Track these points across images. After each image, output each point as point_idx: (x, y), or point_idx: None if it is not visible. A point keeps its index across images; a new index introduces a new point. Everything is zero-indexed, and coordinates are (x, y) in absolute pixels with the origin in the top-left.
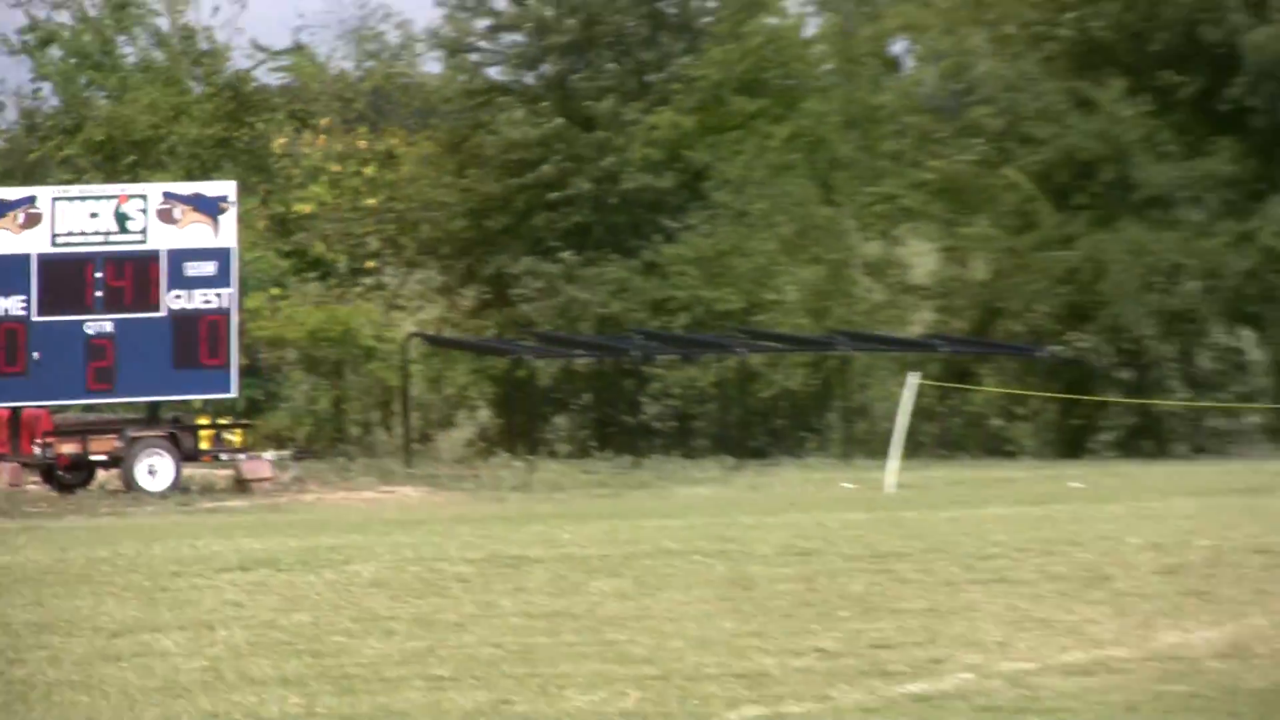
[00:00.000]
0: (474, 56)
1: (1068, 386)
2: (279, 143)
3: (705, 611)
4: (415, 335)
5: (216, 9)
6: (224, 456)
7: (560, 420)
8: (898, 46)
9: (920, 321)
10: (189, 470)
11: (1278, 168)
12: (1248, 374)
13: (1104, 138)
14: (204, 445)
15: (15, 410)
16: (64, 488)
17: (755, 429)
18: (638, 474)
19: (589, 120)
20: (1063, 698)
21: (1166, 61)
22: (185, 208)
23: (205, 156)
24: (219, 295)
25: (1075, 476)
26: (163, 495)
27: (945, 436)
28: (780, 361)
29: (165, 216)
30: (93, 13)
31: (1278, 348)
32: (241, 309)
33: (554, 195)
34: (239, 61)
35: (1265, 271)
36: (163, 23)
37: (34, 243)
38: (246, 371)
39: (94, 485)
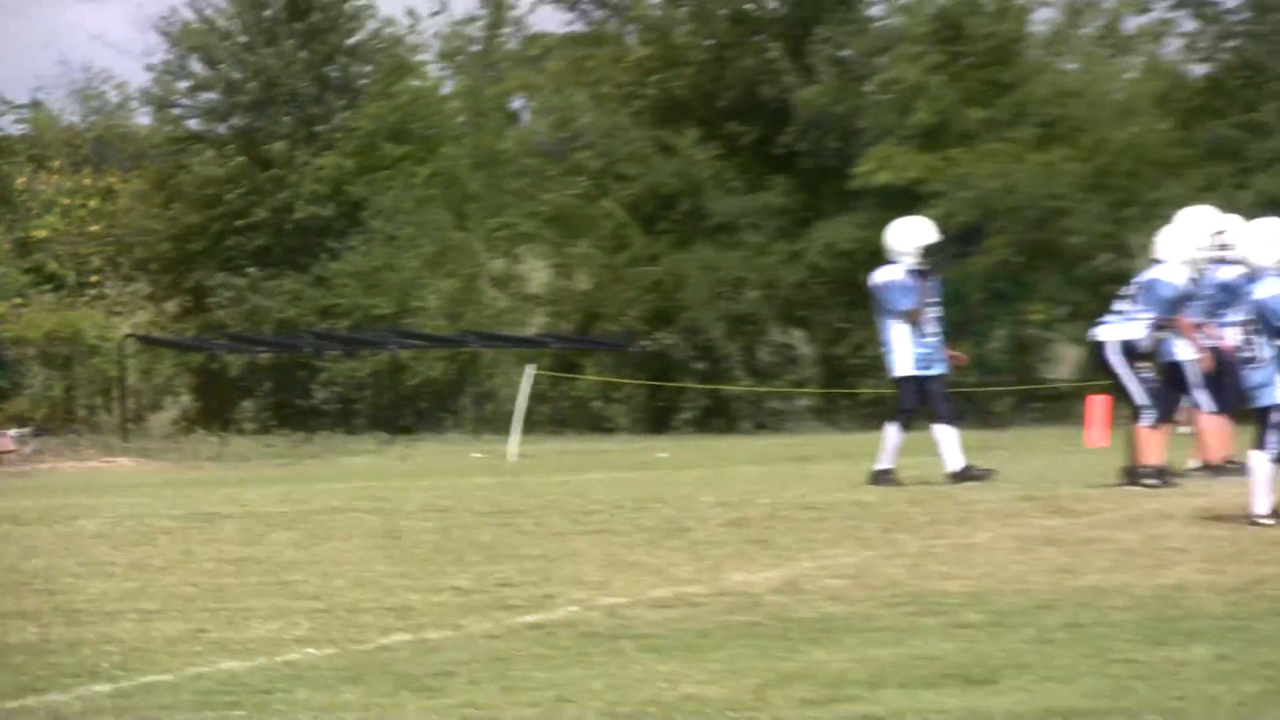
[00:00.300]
0: (176, 111)
1: (653, 375)
2: (20, 181)
3: (362, 557)
4: (130, 336)
5: None
6: None
7: (247, 404)
8: (516, 103)
9: (536, 323)
10: None
11: (821, 200)
12: (798, 365)
13: (682, 176)
14: None
15: None
16: None
17: (404, 410)
18: (309, 447)
19: (268, 162)
20: (650, 625)
21: (732, 114)
22: None
23: None
24: None
25: (661, 448)
26: None
27: (556, 416)
28: (424, 356)
29: None
30: None
31: (822, 344)
32: None
33: (240, 223)
34: None
35: (811, 283)
36: None
37: None
38: None
39: None
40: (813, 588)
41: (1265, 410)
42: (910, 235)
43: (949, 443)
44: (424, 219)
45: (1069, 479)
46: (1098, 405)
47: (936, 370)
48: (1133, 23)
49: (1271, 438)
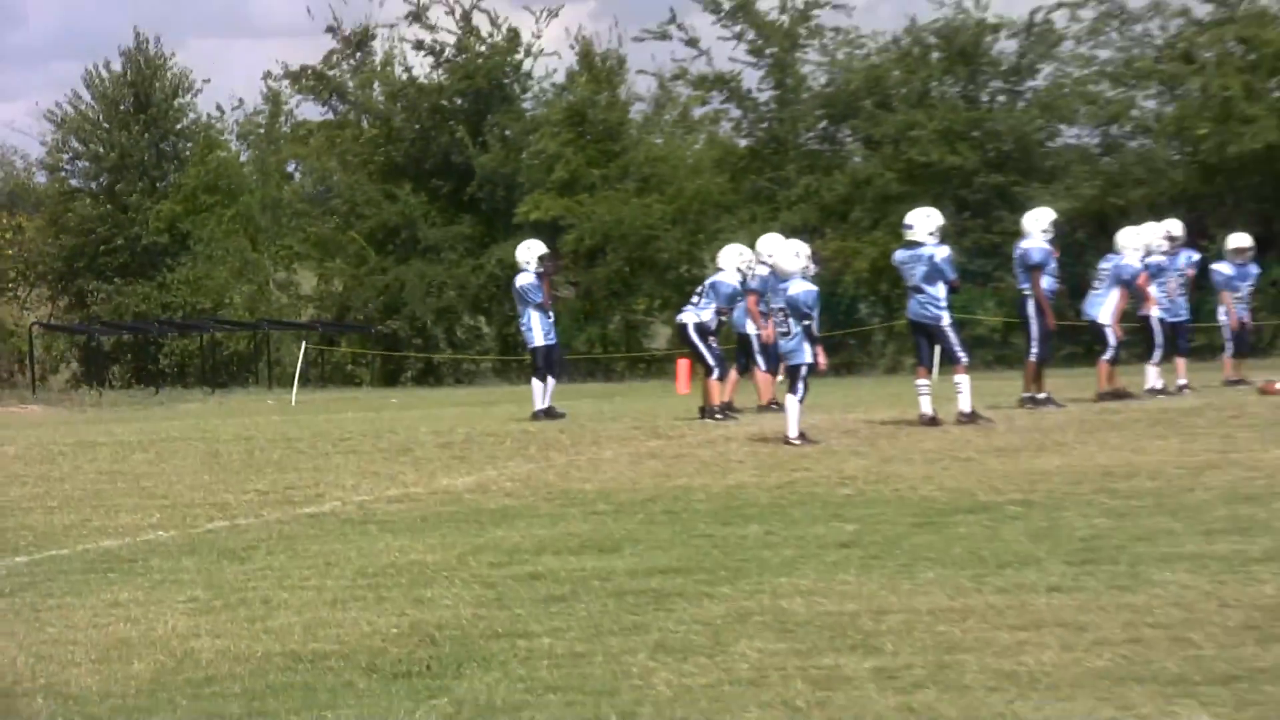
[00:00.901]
0: (62, 173)
1: (387, 348)
2: None
3: (194, 470)
4: (35, 324)
5: None
6: None
7: (116, 369)
8: (290, 167)
9: (307, 314)
10: None
11: (495, 230)
12: (483, 340)
13: (402, 215)
14: None
15: None
16: None
17: (221, 372)
18: (158, 399)
19: (125, 207)
20: (387, 515)
21: (434, 174)
22: None
23: None
24: None
25: (393, 397)
26: None
27: (322, 375)
28: (233, 336)
29: None
30: None
31: (498, 326)
32: None
33: (106, 248)
34: None
35: (489, 285)
36: None
37: None
38: None
39: None
40: (495, 488)
41: (795, 368)
42: (529, 250)
43: (548, 389)
44: (230, 245)
45: (665, 415)
46: (682, 366)
47: (554, 341)
48: (698, 111)
49: (799, 386)
